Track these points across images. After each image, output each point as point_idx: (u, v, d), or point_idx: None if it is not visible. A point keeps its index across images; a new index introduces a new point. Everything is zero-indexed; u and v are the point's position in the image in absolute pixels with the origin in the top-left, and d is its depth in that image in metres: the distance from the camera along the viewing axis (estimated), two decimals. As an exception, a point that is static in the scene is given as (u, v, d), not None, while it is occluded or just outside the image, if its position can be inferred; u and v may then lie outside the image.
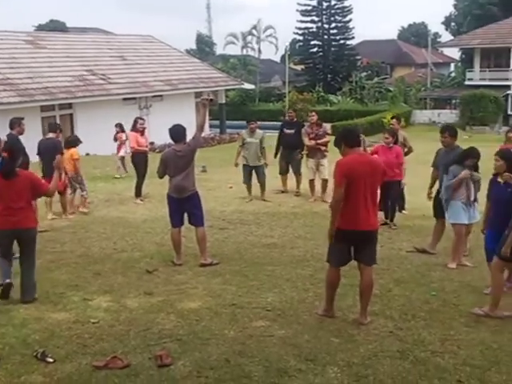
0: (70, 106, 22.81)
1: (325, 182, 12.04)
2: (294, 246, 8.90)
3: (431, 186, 8.52)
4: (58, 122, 18.97)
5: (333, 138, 6.68)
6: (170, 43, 33.72)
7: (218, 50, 71.29)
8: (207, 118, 27.23)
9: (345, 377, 4.67)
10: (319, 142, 11.97)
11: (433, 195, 8.48)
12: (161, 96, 27.07)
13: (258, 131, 12.35)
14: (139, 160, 12.33)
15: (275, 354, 5.06)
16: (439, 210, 8.17)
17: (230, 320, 5.83)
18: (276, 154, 12.97)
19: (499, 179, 6.40)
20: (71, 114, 22.91)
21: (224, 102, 33.16)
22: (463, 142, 27.11)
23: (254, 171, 12.41)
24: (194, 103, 28.49)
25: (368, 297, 5.85)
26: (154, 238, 9.31)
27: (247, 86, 37.90)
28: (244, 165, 12.45)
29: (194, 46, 75.33)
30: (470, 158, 7.32)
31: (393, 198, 9.90)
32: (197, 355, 5.03)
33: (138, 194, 12.28)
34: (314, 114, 12.42)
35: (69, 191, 10.99)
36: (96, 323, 5.76)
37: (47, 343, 5.26)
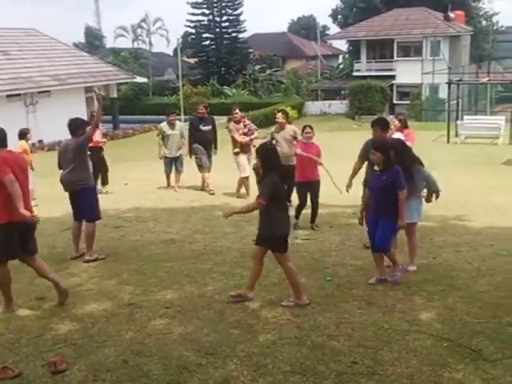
0: None
1: (246, 178, 12.02)
2: (192, 241, 8.84)
3: (352, 177, 8.15)
4: None
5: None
6: (56, 37, 32.32)
7: (109, 44, 69.44)
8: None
9: (244, 368, 4.71)
10: (252, 137, 12.06)
11: (352, 186, 8.16)
12: (48, 92, 25.89)
13: (178, 123, 12.66)
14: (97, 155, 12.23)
15: (175, 350, 5.02)
16: None
17: (128, 320, 5.70)
18: (191, 153, 12.83)
19: (375, 168, 6.68)
20: (-51, 114, 21.45)
21: (116, 96, 32.34)
22: (354, 130, 28.10)
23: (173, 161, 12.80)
24: (84, 98, 27.54)
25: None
26: (46, 239, 8.88)
27: (140, 79, 37.12)
28: (165, 157, 12.78)
29: (82, 40, 72.89)
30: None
31: (317, 198, 9.66)
32: (93, 358, 4.89)
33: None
34: (237, 111, 12.21)
35: None
36: (-17, 334, 5.45)
37: None
